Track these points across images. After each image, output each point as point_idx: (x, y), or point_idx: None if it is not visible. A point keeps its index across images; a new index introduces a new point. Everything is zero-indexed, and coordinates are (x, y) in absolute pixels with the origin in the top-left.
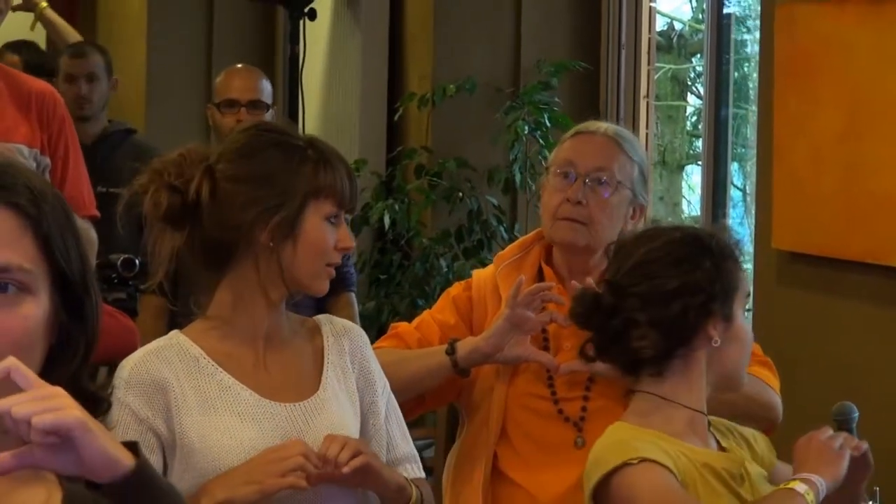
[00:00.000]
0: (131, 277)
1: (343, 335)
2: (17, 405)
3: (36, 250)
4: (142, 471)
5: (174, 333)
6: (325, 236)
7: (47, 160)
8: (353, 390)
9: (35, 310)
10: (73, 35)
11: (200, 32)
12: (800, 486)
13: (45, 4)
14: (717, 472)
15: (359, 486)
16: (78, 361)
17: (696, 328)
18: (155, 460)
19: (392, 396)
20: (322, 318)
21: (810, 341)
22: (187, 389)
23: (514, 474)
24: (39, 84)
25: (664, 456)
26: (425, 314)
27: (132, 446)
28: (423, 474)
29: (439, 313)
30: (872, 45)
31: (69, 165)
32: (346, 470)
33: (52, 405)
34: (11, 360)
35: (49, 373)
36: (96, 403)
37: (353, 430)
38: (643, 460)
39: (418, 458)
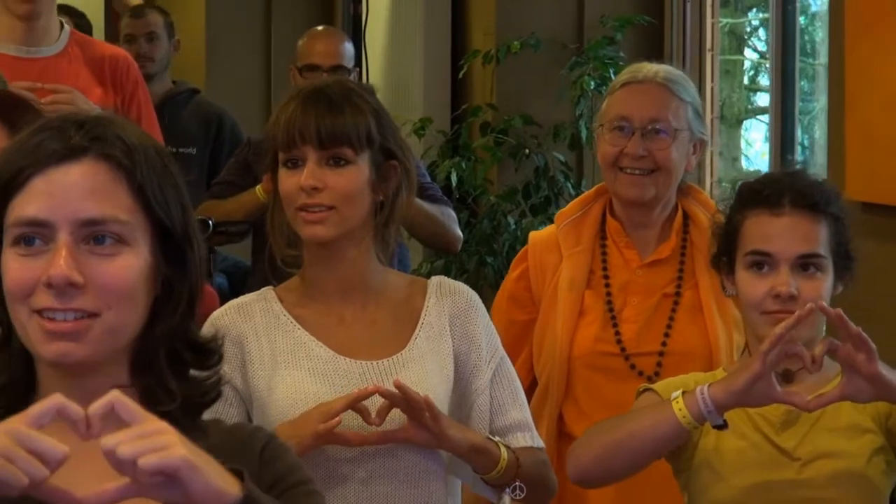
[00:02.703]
0: (206, 239)
1: (447, 296)
2: (122, 444)
3: (132, 201)
4: (248, 500)
5: (267, 289)
6: (283, 182)
7: None
8: (446, 353)
9: (134, 261)
10: None
11: None
12: (674, 393)
13: None
14: (750, 416)
15: (419, 445)
16: (182, 313)
17: (722, 280)
18: (234, 413)
19: (505, 361)
20: (435, 278)
21: (885, 291)
22: (264, 345)
23: (578, 431)
24: (113, 49)
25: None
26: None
27: (238, 472)
28: (536, 443)
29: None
30: None
31: (141, 128)
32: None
33: (156, 444)
34: (115, 394)
35: (154, 325)
36: (207, 355)
37: (436, 393)
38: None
39: (532, 427)
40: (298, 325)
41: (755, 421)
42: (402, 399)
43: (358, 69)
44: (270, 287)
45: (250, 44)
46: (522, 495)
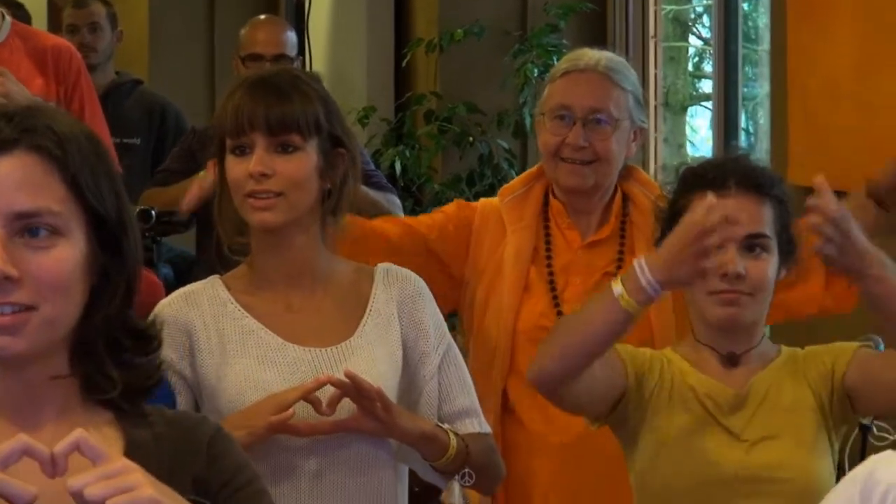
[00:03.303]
0: (148, 229)
1: (395, 283)
2: (90, 486)
3: (65, 191)
4: None
5: (214, 278)
6: (232, 169)
7: None
8: (394, 340)
9: (69, 252)
10: None
11: None
12: (616, 288)
13: None
14: (698, 395)
15: (370, 434)
16: (119, 300)
17: None
18: (182, 402)
19: (452, 348)
20: (381, 265)
21: None
22: (212, 333)
23: (525, 414)
24: (56, 39)
25: (638, 356)
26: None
27: None
28: (484, 429)
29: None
30: None
31: (85, 118)
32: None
33: (124, 484)
34: (79, 433)
35: (92, 314)
36: (147, 340)
37: (385, 380)
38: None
39: (480, 413)
40: (246, 312)
41: (704, 403)
42: (353, 388)
43: (301, 58)
44: (217, 276)
45: (193, 34)
46: (471, 482)
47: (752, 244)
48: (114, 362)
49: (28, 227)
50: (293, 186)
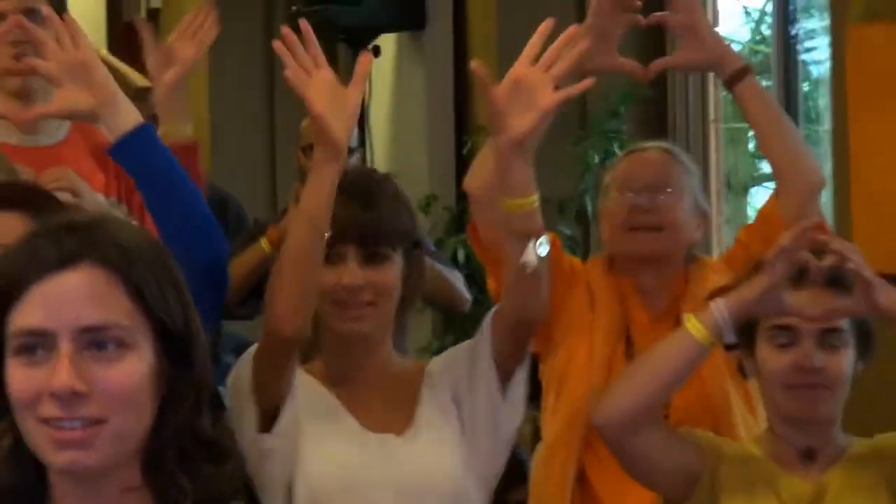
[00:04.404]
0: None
1: (434, 368)
2: None
3: (131, 304)
4: None
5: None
6: (323, 276)
7: (125, 209)
8: (447, 404)
9: (137, 365)
10: (139, 79)
11: (261, 72)
12: (690, 320)
13: (104, 52)
14: (777, 490)
15: None
16: (188, 411)
17: (741, 360)
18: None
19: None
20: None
21: None
22: (298, 396)
23: (599, 486)
24: None
25: (717, 443)
26: None
27: None
28: None
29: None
30: None
31: (146, 216)
32: None
33: None
34: None
35: (161, 425)
36: (219, 450)
37: (450, 443)
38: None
39: None
40: (329, 392)
41: (782, 497)
42: None
43: (362, 149)
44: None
45: (253, 125)
46: (545, 250)
47: (828, 337)
48: (186, 473)
49: (95, 340)
50: (383, 296)
